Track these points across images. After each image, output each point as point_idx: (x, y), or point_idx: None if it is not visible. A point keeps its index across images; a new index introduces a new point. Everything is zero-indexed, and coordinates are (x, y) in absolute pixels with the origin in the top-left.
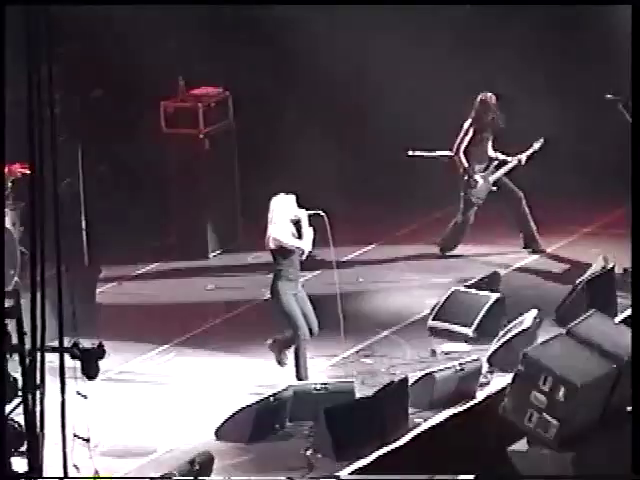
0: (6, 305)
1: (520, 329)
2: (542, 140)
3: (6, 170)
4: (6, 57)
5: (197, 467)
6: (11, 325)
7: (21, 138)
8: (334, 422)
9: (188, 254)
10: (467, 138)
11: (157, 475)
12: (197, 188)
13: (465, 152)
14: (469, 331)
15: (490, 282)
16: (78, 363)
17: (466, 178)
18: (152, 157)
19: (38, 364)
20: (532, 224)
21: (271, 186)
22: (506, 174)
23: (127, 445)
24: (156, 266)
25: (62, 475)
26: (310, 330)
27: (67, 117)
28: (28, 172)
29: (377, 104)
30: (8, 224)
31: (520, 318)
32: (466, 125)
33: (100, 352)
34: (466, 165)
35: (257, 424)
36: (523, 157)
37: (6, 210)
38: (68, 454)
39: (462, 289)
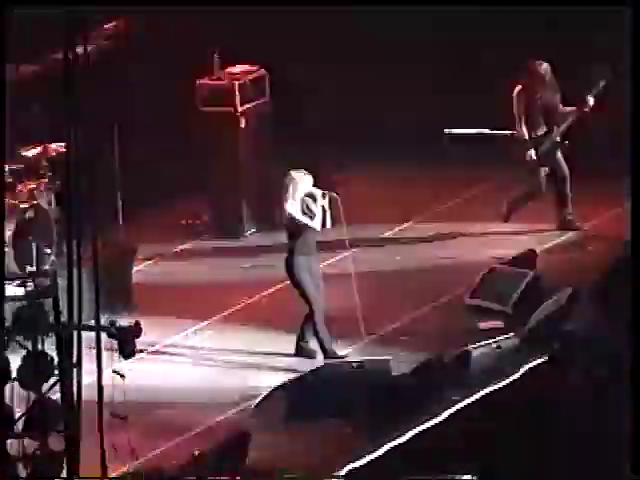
0: (43, 284)
1: (556, 307)
2: (604, 81)
3: (41, 150)
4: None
5: (234, 444)
6: (48, 304)
7: (57, 118)
8: (371, 400)
9: (223, 232)
10: (522, 107)
11: (194, 452)
12: (232, 166)
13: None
14: (506, 309)
15: (527, 260)
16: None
17: (529, 146)
18: (188, 135)
19: (75, 343)
20: (569, 205)
21: (306, 163)
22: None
23: (164, 423)
24: (192, 244)
25: (100, 453)
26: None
27: (103, 95)
28: (63, 151)
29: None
30: (44, 204)
31: (556, 296)
32: (517, 92)
33: (137, 330)
34: (526, 137)
35: (294, 402)
36: (591, 98)
37: (42, 190)
38: (105, 432)
39: (499, 267)
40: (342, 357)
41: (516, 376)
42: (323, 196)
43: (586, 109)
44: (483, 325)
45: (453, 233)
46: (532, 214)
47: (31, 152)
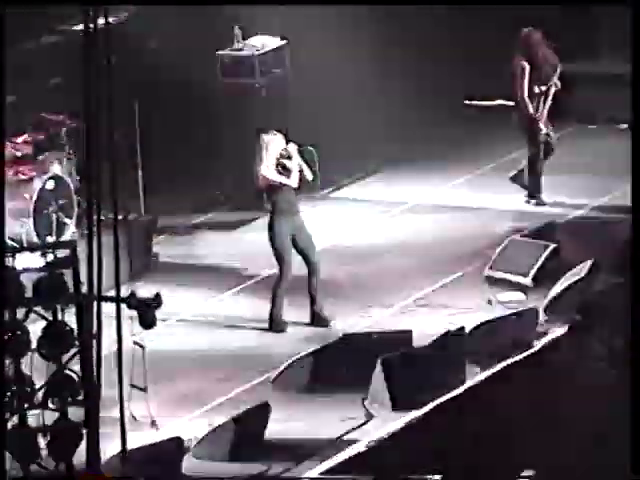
0: (63, 255)
1: (576, 278)
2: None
3: (62, 120)
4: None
5: (253, 417)
6: (67, 275)
7: (77, 88)
8: (391, 371)
9: (243, 204)
10: (526, 80)
11: (213, 424)
12: (252, 137)
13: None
14: (526, 280)
15: (547, 231)
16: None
17: (531, 121)
18: (208, 106)
19: (95, 313)
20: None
21: (325, 135)
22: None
23: (184, 394)
24: (211, 216)
25: (120, 424)
26: (310, 265)
27: (122, 67)
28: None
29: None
30: (65, 174)
31: (576, 268)
32: (522, 66)
33: (157, 302)
34: (531, 110)
35: (313, 373)
36: (556, 79)
37: (63, 159)
38: (125, 404)
39: (519, 238)
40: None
41: (537, 348)
42: (299, 152)
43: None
44: (504, 297)
45: (473, 204)
46: (553, 185)
47: (52, 123)
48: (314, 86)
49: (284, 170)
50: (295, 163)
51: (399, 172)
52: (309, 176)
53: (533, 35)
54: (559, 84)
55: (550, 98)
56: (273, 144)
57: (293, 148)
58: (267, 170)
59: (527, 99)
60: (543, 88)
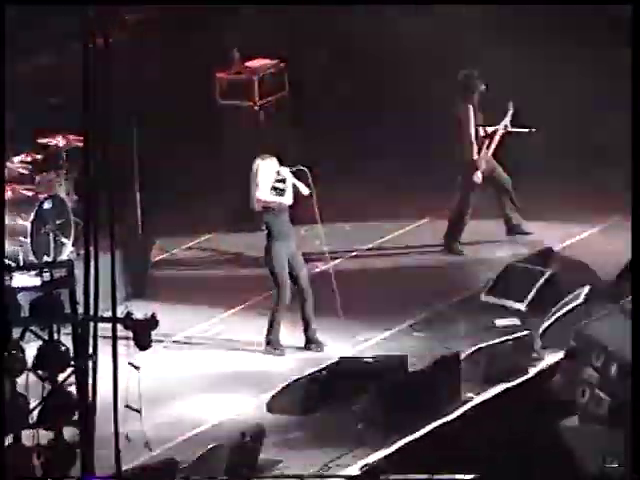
0: (59, 275)
1: (573, 305)
2: (511, 103)
3: (60, 140)
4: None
5: (248, 439)
6: (64, 294)
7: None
8: (386, 396)
9: (239, 226)
10: (472, 124)
11: (208, 446)
12: (251, 160)
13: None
14: (522, 306)
15: (543, 258)
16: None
17: (468, 163)
18: (206, 128)
19: (91, 334)
20: (513, 209)
21: (323, 156)
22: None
23: (179, 415)
24: (209, 237)
25: (115, 445)
26: (302, 291)
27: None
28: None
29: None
30: (62, 194)
31: (573, 294)
32: (466, 110)
33: (153, 322)
34: (476, 156)
35: (308, 397)
36: (507, 122)
37: (60, 180)
38: (120, 424)
39: (516, 264)
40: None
41: (532, 374)
42: (292, 173)
43: (507, 130)
44: (500, 322)
45: (469, 231)
46: (548, 213)
47: (50, 143)
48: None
49: (279, 192)
50: (289, 184)
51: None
52: (305, 191)
53: (473, 75)
54: (509, 126)
55: (495, 141)
56: (266, 168)
57: (286, 171)
58: (262, 193)
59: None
60: (489, 130)
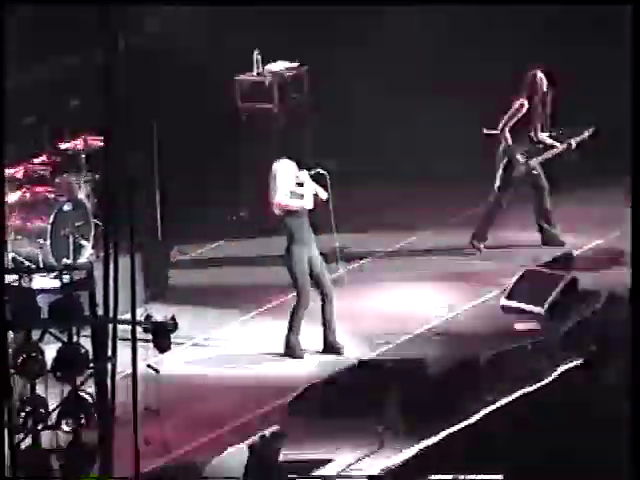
0: (79, 277)
1: (592, 309)
2: (592, 129)
3: (80, 143)
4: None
5: (268, 441)
6: (84, 297)
7: (96, 111)
8: (405, 399)
9: (258, 229)
10: (518, 116)
11: (227, 448)
12: (270, 164)
13: (510, 131)
14: (541, 310)
15: (563, 262)
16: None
17: (507, 157)
18: (226, 132)
19: (110, 336)
20: (549, 219)
21: (344, 161)
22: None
23: (198, 418)
24: (229, 241)
25: (134, 446)
26: (324, 293)
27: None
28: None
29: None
30: (82, 196)
31: (592, 298)
32: (517, 103)
33: (172, 325)
34: (510, 143)
35: (327, 400)
36: (573, 142)
37: (80, 182)
38: (139, 427)
39: (535, 268)
40: (298, 355)
41: (550, 379)
42: (311, 176)
43: (569, 149)
44: (518, 327)
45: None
46: (569, 217)
47: (70, 145)
48: None
49: (298, 195)
50: (308, 188)
51: None
52: (323, 195)
53: (537, 77)
54: (574, 144)
55: (553, 153)
56: (285, 171)
57: (305, 175)
58: (282, 197)
59: (507, 134)
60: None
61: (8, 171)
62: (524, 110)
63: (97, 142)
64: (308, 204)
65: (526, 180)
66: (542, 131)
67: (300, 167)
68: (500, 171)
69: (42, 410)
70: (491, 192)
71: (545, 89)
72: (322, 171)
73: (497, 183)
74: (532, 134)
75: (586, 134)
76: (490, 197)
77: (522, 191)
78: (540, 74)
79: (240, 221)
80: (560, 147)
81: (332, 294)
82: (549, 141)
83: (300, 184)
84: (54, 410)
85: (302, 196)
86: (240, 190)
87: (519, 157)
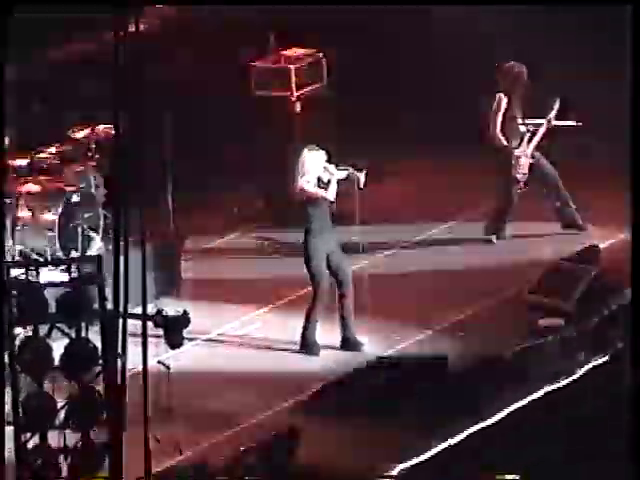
0: (88, 270)
1: (619, 304)
2: (557, 99)
3: (90, 132)
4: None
5: (282, 440)
6: (92, 290)
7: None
8: (426, 397)
9: (275, 221)
10: (502, 111)
11: (240, 447)
12: (286, 152)
13: (501, 129)
14: (567, 306)
15: (590, 256)
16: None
17: (504, 156)
18: (241, 120)
19: (120, 331)
20: (566, 200)
21: (362, 151)
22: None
23: (210, 416)
24: (241, 234)
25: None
26: (342, 288)
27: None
28: (112, 133)
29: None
30: (92, 186)
31: (619, 293)
32: (498, 99)
33: (185, 320)
34: (505, 143)
35: (345, 398)
36: (551, 116)
37: (89, 173)
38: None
39: (561, 263)
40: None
41: (577, 375)
42: (339, 170)
43: (550, 126)
44: (544, 322)
45: (515, 230)
46: (595, 210)
47: (80, 134)
48: None
49: (323, 185)
50: (335, 179)
51: None
52: (362, 181)
53: (514, 69)
54: (553, 121)
55: (538, 136)
56: (314, 159)
57: (332, 166)
58: (307, 184)
59: (500, 134)
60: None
61: (16, 162)
62: (504, 104)
63: (107, 132)
64: (331, 195)
65: (532, 171)
66: (522, 121)
67: (330, 161)
68: (503, 171)
69: (49, 408)
70: (499, 188)
71: (522, 80)
72: (350, 169)
73: (502, 185)
74: (515, 126)
75: (556, 105)
76: (499, 192)
77: (533, 184)
78: (518, 67)
79: (255, 211)
80: (542, 127)
81: (350, 289)
82: (531, 127)
83: (327, 174)
84: (62, 408)
85: (327, 186)
86: (256, 182)
87: (516, 152)
